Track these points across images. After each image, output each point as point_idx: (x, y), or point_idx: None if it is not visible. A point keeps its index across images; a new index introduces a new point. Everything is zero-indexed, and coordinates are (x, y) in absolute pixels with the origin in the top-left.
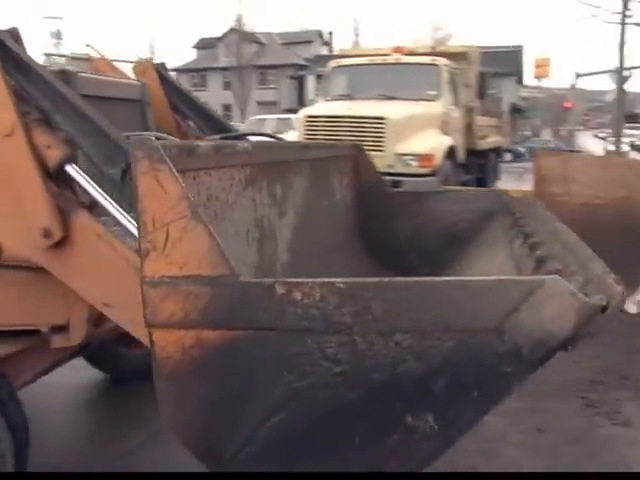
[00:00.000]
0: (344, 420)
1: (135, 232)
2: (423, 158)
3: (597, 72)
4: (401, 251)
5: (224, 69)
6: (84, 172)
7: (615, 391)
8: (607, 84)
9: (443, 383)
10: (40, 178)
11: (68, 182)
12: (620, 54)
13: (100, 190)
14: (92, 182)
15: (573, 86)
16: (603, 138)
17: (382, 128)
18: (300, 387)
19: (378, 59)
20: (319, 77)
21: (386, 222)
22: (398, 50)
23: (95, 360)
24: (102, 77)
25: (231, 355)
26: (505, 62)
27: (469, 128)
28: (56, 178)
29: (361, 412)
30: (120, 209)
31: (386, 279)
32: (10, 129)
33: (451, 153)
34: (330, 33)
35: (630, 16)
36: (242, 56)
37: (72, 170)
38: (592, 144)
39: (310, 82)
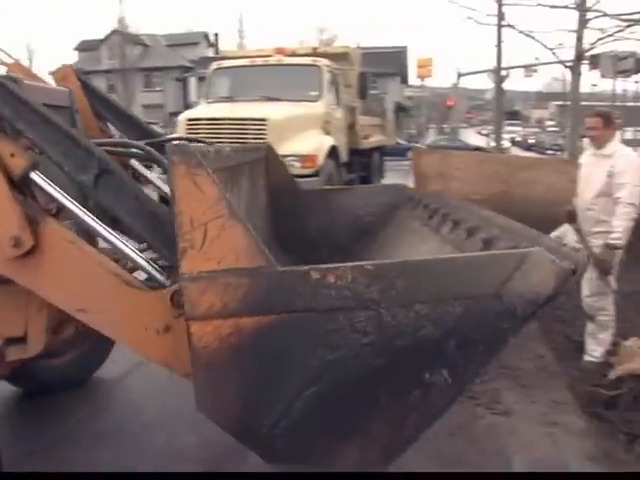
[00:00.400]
0: (371, 385)
1: (108, 236)
2: (305, 159)
3: (477, 72)
4: (313, 246)
5: (107, 72)
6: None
7: (495, 381)
8: (487, 83)
9: (454, 342)
10: (7, 186)
11: (31, 190)
12: (497, 54)
13: (67, 196)
14: (58, 188)
15: (455, 85)
16: (486, 135)
17: (264, 130)
18: (332, 360)
19: (259, 60)
20: (202, 79)
21: (297, 220)
22: (280, 51)
23: (10, 375)
24: (39, 84)
25: (267, 338)
26: (390, 62)
27: (351, 128)
28: (19, 186)
29: (386, 376)
30: (89, 213)
31: (408, 259)
32: None
33: (334, 153)
34: (216, 35)
35: (504, 19)
36: (126, 58)
37: (37, 178)
38: (476, 140)
39: (194, 84)
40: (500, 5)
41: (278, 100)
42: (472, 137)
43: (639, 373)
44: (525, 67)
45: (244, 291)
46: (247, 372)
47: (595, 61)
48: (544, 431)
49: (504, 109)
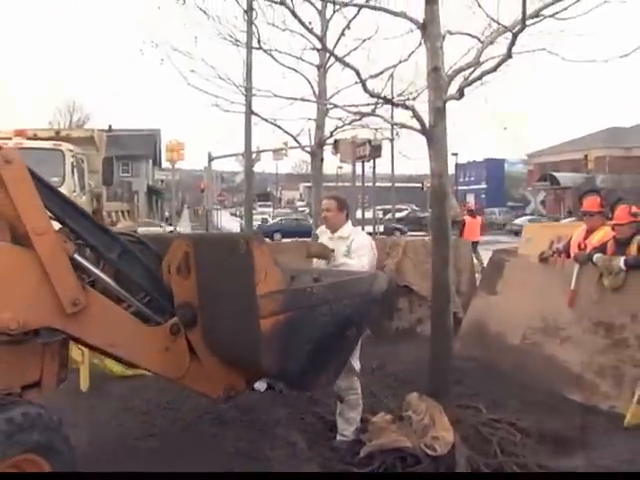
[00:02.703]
0: (329, 341)
1: (126, 295)
2: None
3: (228, 155)
4: None
5: None
6: None
7: None
8: (238, 165)
9: (357, 315)
10: (69, 262)
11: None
12: (246, 139)
13: (101, 272)
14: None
15: (207, 168)
16: (241, 217)
17: None
18: (314, 328)
19: None
20: None
21: None
22: (19, 134)
23: None
24: None
25: (290, 323)
26: (143, 145)
27: (97, 214)
28: None
29: (335, 334)
30: (113, 283)
31: (342, 279)
32: (44, 229)
33: None
34: None
35: (250, 107)
36: None
37: (79, 258)
38: (228, 222)
39: None
40: (247, 96)
41: None
42: (225, 218)
43: (388, 447)
44: (273, 151)
45: (281, 301)
46: (283, 343)
47: (336, 147)
48: None
49: (256, 191)
